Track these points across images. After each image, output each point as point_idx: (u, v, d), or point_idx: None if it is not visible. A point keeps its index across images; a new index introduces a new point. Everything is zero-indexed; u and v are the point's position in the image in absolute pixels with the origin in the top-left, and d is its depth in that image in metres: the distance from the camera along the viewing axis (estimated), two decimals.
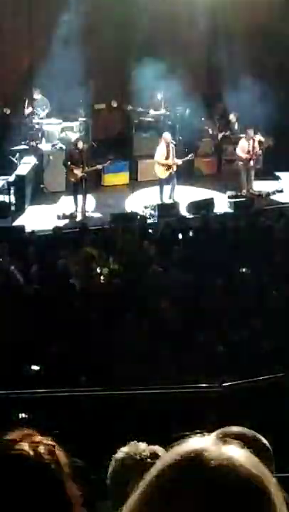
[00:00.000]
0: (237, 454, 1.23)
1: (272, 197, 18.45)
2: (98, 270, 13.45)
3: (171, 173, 17.43)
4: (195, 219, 16.13)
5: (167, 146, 17.39)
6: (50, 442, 1.55)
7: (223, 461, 1.21)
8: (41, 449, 1.52)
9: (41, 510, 1.46)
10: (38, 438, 1.55)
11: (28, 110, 19.01)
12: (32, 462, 1.49)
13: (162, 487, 1.21)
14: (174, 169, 17.45)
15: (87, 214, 16.92)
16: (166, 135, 17.74)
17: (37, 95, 19.22)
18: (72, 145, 17.50)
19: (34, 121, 18.87)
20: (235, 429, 2.40)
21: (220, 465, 1.20)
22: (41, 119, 19.01)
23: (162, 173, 17.48)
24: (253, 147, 18.11)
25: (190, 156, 18.35)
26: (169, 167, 17.36)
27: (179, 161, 17.61)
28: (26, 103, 19.01)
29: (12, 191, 16.90)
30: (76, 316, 11.80)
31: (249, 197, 17.94)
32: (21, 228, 15.52)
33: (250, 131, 18.26)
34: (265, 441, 2.46)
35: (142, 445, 2.85)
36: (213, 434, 1.32)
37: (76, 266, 13.58)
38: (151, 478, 1.24)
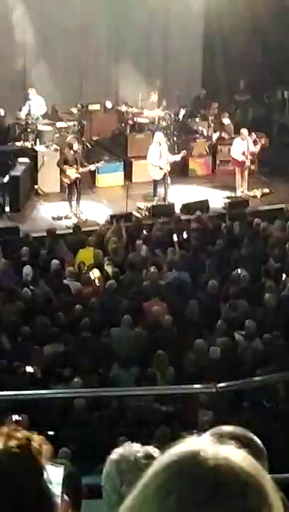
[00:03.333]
0: (234, 454, 1.23)
1: (267, 198, 18.46)
2: (92, 271, 13.46)
3: (165, 173, 17.43)
4: (189, 220, 16.13)
5: (160, 146, 17.39)
6: (25, 436, 1.56)
7: (220, 461, 1.21)
8: (12, 442, 1.53)
9: (9, 502, 1.47)
10: (15, 433, 1.56)
11: (23, 110, 19.00)
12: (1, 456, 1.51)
13: (159, 487, 1.21)
14: (168, 169, 17.45)
15: (81, 215, 16.91)
16: (158, 135, 17.76)
17: (33, 95, 19.22)
18: (66, 146, 17.49)
19: (28, 121, 18.86)
20: (227, 428, 2.39)
21: (217, 465, 1.20)
22: (37, 119, 19.00)
23: (156, 174, 17.47)
24: (248, 148, 18.12)
25: (182, 152, 18.33)
26: (162, 167, 17.36)
27: (175, 157, 17.64)
28: (22, 103, 19.00)
29: (6, 192, 16.90)
30: (70, 317, 11.80)
31: (244, 198, 17.95)
32: (16, 229, 15.51)
33: (245, 132, 18.26)
34: (257, 440, 2.45)
35: (137, 446, 2.84)
36: (207, 434, 1.32)
37: (70, 267, 13.59)
38: (148, 479, 1.24)
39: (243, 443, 1.30)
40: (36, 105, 19.22)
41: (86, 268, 13.57)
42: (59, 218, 16.72)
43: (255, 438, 2.42)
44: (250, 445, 1.53)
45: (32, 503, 1.48)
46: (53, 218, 16.71)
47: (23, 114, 18.98)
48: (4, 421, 8.98)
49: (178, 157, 17.97)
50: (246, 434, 2.35)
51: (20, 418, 8.78)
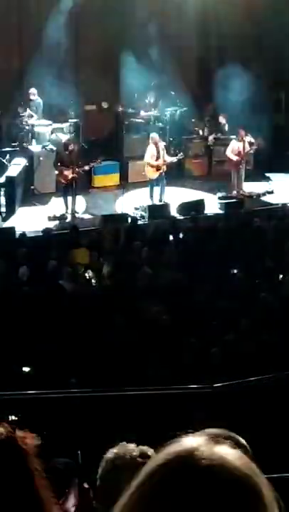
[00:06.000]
0: (228, 453, 1.23)
1: (263, 198, 18.49)
2: (88, 272, 13.46)
3: (161, 173, 17.44)
4: (185, 220, 16.13)
5: (156, 147, 17.40)
6: (11, 426, 1.64)
7: (214, 460, 1.21)
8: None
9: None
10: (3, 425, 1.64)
11: (22, 111, 18.96)
12: None
13: (154, 487, 1.21)
14: (164, 170, 17.46)
15: (77, 215, 16.91)
16: (154, 135, 17.76)
17: (33, 96, 19.14)
18: (62, 146, 17.49)
19: (24, 122, 18.84)
20: (212, 431, 2.39)
21: (211, 464, 1.20)
22: (35, 120, 18.96)
23: (152, 174, 17.49)
24: (244, 148, 18.13)
25: (180, 155, 18.37)
26: (159, 168, 17.37)
27: (172, 159, 17.66)
28: (22, 104, 18.95)
29: (2, 193, 16.89)
30: (66, 318, 11.79)
31: (240, 198, 17.96)
32: (11, 230, 15.49)
33: (241, 132, 18.27)
34: (244, 442, 2.45)
35: (132, 445, 2.85)
36: (198, 434, 1.32)
37: (66, 267, 13.58)
38: (142, 478, 1.24)
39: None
40: (34, 106, 19.20)
41: (82, 268, 13.57)
42: (55, 218, 16.72)
43: (241, 439, 2.42)
44: (236, 446, 1.53)
45: (12, 486, 1.53)
46: (49, 218, 16.71)
47: (22, 115, 18.93)
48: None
49: (175, 159, 18.00)
50: (230, 436, 2.36)
51: (16, 418, 8.78)
